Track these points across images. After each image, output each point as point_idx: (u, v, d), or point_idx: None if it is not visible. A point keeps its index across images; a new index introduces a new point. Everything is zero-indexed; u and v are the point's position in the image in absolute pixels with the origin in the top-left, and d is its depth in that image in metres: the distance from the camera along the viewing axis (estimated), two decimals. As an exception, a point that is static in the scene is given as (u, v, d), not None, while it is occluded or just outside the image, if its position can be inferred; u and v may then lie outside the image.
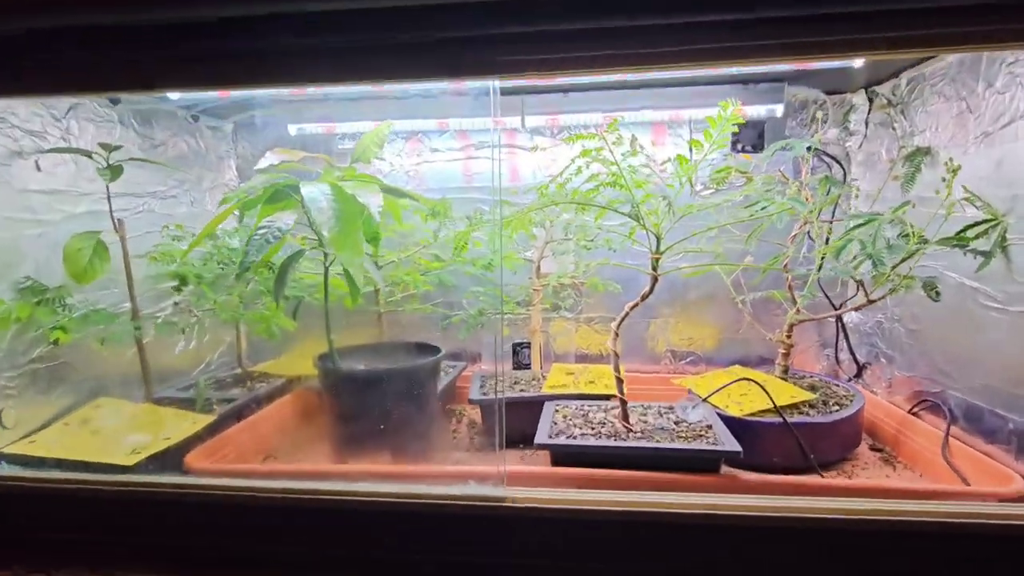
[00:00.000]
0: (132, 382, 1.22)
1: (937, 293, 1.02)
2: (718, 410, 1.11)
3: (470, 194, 1.59)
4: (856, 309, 1.18)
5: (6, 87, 0.85)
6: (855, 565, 0.76)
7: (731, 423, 1.06)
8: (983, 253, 0.93)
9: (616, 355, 1.03)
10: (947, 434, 1.05)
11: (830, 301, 1.42)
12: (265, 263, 1.16)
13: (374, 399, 1.03)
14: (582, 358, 1.60)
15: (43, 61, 0.81)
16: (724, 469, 0.96)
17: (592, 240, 1.33)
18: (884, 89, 1.32)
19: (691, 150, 1.35)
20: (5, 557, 0.86)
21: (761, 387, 1.09)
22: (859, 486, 0.92)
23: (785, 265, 1.24)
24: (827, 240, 1.19)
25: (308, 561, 0.86)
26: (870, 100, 1.37)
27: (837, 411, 1.12)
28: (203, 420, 1.09)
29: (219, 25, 0.75)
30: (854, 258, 1.05)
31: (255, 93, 1.36)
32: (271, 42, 0.77)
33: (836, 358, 1.50)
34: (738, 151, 1.42)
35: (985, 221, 0.94)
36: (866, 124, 1.39)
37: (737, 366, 1.42)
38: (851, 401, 1.16)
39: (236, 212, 1.06)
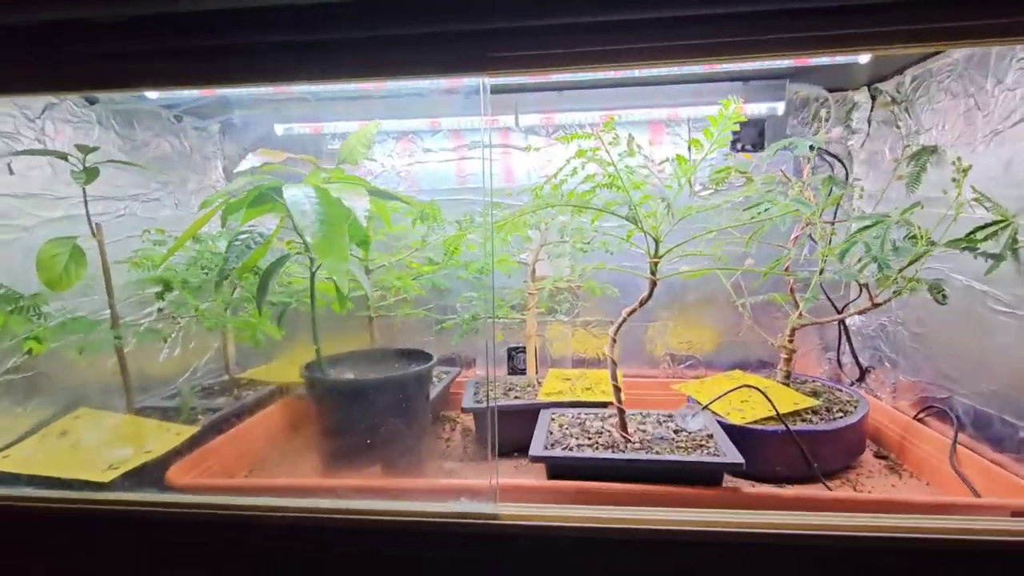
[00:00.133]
0: (114, 391, 1.18)
1: (944, 296, 0.98)
2: (719, 418, 1.08)
3: (464, 195, 1.56)
4: (860, 313, 1.15)
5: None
6: (864, 584, 0.73)
7: (732, 431, 1.02)
8: (993, 255, 0.90)
9: (614, 363, 1.00)
10: (955, 442, 1.02)
11: (833, 304, 1.39)
12: (251, 268, 1.12)
13: (363, 409, 0.99)
14: (579, 362, 1.56)
15: (41, 56, 0.76)
16: (726, 481, 0.92)
17: (589, 243, 1.30)
18: (888, 86, 1.29)
19: (690, 150, 1.32)
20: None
21: (763, 394, 1.06)
22: (867, 500, 0.88)
23: (787, 268, 1.21)
24: (830, 242, 1.16)
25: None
26: (873, 97, 1.34)
27: (841, 418, 1.09)
28: (186, 431, 1.05)
29: (203, 19, 0.71)
30: (859, 261, 1.01)
31: (239, 92, 1.31)
32: (257, 38, 0.73)
33: (838, 362, 1.47)
34: (738, 150, 1.39)
35: (995, 223, 0.90)
36: (869, 122, 1.36)
37: (737, 370, 1.39)
38: (855, 407, 1.13)
39: (221, 215, 1.02)
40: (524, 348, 1.46)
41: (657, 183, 0.94)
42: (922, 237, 0.92)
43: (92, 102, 1.17)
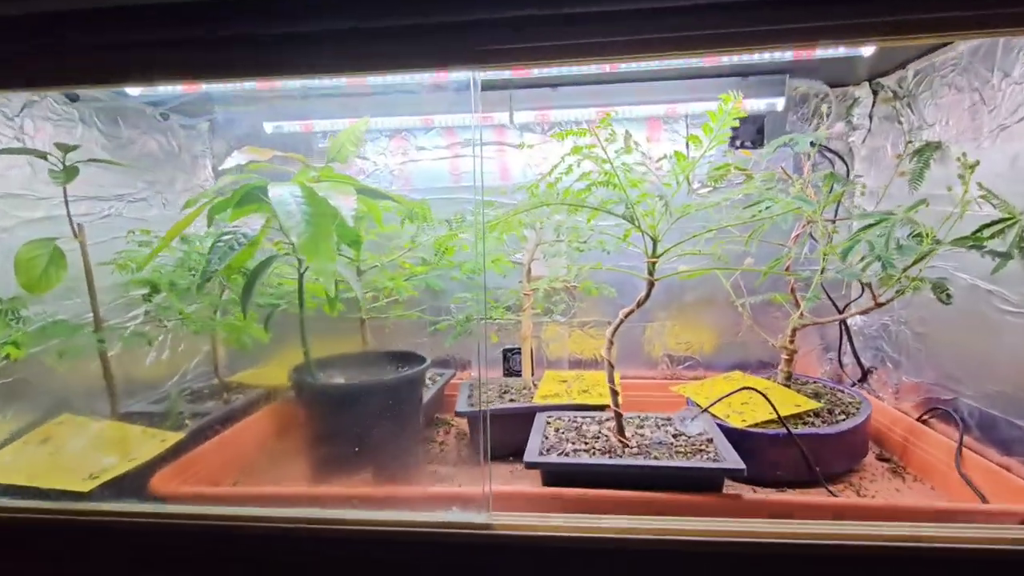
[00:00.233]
0: (100, 396, 1.15)
1: (948, 296, 0.96)
2: (719, 421, 1.06)
3: (458, 194, 1.53)
4: (863, 313, 1.13)
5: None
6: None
7: (732, 434, 1.00)
8: (1000, 254, 0.87)
9: (611, 365, 0.97)
10: (960, 445, 0.99)
11: (834, 304, 1.36)
12: (239, 269, 1.09)
13: (351, 414, 0.97)
14: (576, 364, 1.54)
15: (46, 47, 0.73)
16: (727, 486, 0.90)
17: (585, 242, 1.27)
18: (889, 81, 1.26)
19: (688, 147, 1.29)
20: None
21: (764, 397, 1.03)
22: (873, 506, 0.86)
23: (788, 267, 1.18)
24: (830, 240, 1.13)
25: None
26: (874, 93, 1.31)
27: (844, 420, 1.06)
28: (172, 438, 1.02)
29: (172, 10, 0.68)
30: (862, 259, 0.99)
31: (226, 89, 1.28)
32: (242, 32, 0.70)
33: (839, 362, 1.44)
34: (737, 147, 1.36)
35: (1002, 220, 0.88)
36: (870, 118, 1.34)
37: (737, 371, 1.36)
38: (858, 409, 1.10)
39: (207, 215, 0.99)
40: (520, 350, 1.43)
41: (655, 181, 0.92)
42: (927, 235, 0.90)
43: (73, 99, 1.13)
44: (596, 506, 0.85)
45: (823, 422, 1.06)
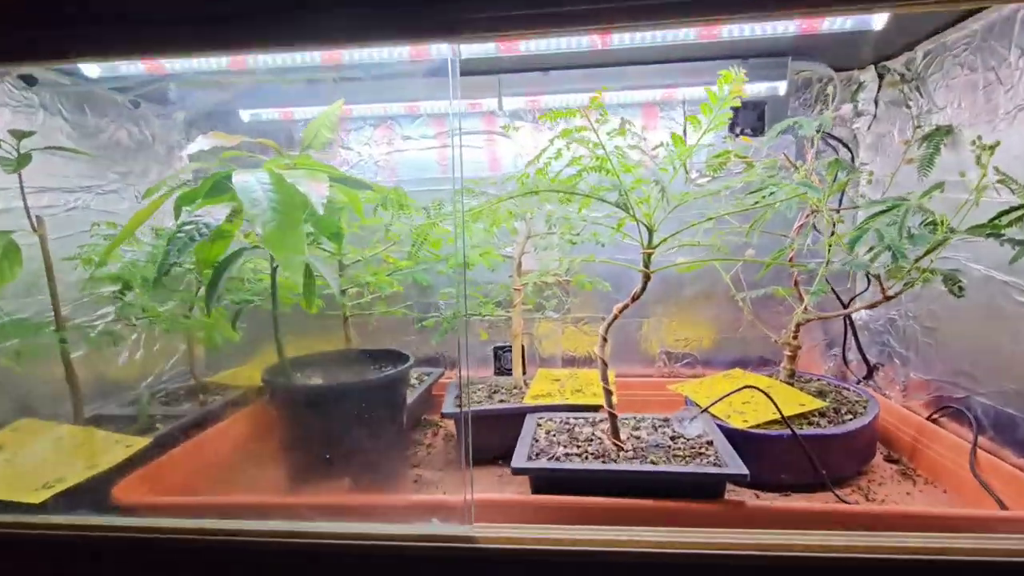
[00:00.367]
0: (66, 399, 1.09)
1: (960, 288, 0.90)
2: (719, 421, 1.00)
3: (447, 185, 1.47)
4: (871, 307, 1.07)
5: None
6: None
7: (733, 436, 0.94)
8: (1019, 242, 0.81)
9: (604, 364, 0.91)
10: (974, 445, 0.94)
11: (838, 298, 1.31)
12: (211, 263, 1.03)
13: (329, 417, 0.91)
14: (569, 361, 1.48)
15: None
16: (728, 492, 0.84)
17: (578, 234, 1.21)
18: (896, 64, 1.20)
19: (686, 132, 1.23)
20: None
21: (767, 396, 0.97)
22: (885, 513, 0.80)
23: (791, 259, 1.12)
24: (832, 231, 1.08)
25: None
26: (880, 76, 1.25)
27: (851, 420, 1.01)
28: (138, 443, 0.96)
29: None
30: (870, 250, 0.93)
31: (201, 75, 1.21)
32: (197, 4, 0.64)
33: (844, 358, 1.39)
34: (737, 134, 1.30)
35: (1020, 206, 0.82)
36: (876, 103, 1.28)
37: (737, 369, 1.31)
38: (865, 408, 1.05)
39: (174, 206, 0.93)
40: (510, 347, 1.38)
41: (650, 166, 0.85)
42: (941, 223, 0.84)
43: (30, 83, 1.07)
44: (588, 515, 0.79)
45: (829, 422, 1.00)
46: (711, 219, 0.86)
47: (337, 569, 0.71)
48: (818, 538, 0.65)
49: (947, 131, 1.04)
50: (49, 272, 1.00)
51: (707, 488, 0.81)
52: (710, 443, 0.91)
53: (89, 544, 0.75)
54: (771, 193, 0.82)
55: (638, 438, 0.94)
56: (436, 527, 0.70)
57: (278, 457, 0.95)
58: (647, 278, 0.87)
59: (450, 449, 1.18)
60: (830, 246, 1.04)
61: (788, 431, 0.94)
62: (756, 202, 0.87)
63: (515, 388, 1.23)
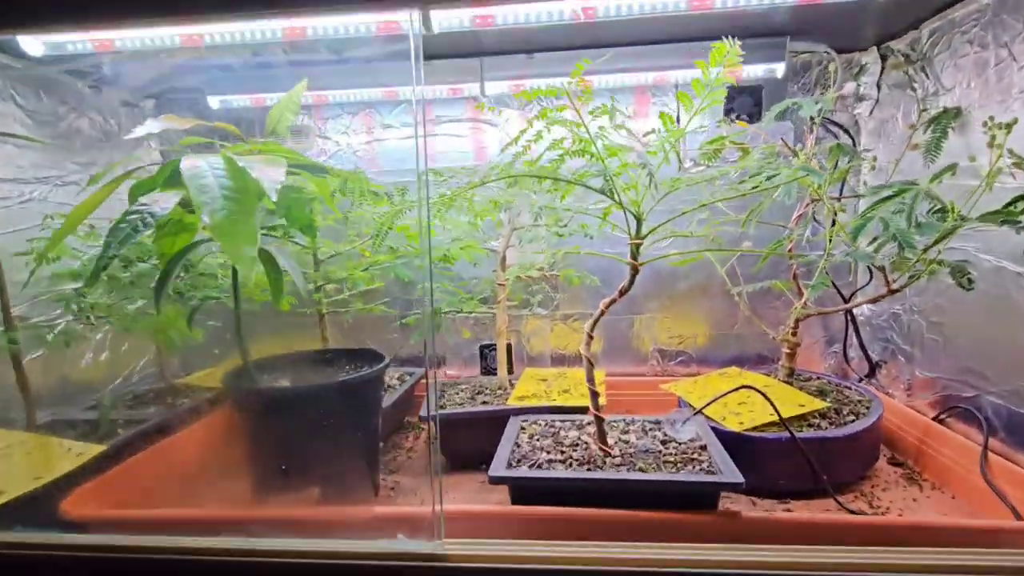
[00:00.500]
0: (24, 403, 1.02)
1: (970, 281, 0.84)
2: (713, 423, 0.94)
3: (431, 176, 1.40)
4: (874, 301, 1.01)
5: None
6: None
7: (729, 439, 0.88)
8: (1035, 230, 0.75)
9: (590, 364, 0.85)
10: (985, 448, 0.88)
11: (839, 292, 1.25)
12: (174, 256, 0.96)
13: (295, 423, 0.84)
14: (559, 360, 1.42)
15: None
16: (724, 501, 0.78)
17: (565, 225, 1.15)
18: (900, 44, 1.14)
19: (679, 117, 1.17)
20: None
21: (765, 396, 0.91)
22: (891, 524, 0.74)
23: (789, 250, 1.06)
24: (834, 221, 1.01)
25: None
26: (883, 58, 1.19)
27: (853, 421, 0.95)
28: (92, 451, 0.89)
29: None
30: (874, 240, 0.87)
31: (166, 59, 1.14)
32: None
33: (845, 355, 1.33)
34: (732, 120, 1.24)
35: (1037, 191, 0.76)
36: (878, 87, 1.21)
37: (733, 367, 1.25)
38: (868, 408, 0.99)
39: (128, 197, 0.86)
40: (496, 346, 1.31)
41: (640, 149, 0.79)
42: (952, 210, 0.78)
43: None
44: (570, 527, 0.73)
45: (830, 424, 0.94)
46: (703, 206, 0.79)
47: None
48: (823, 555, 0.59)
49: (955, 113, 0.97)
50: (-4, 268, 0.93)
51: (700, 497, 0.75)
52: (703, 448, 0.85)
53: (28, 563, 0.69)
54: (768, 177, 0.75)
55: (627, 442, 0.88)
56: (401, 544, 0.64)
57: (243, 466, 0.89)
58: (635, 271, 0.81)
59: (432, 453, 1.12)
60: (831, 237, 0.98)
61: (787, 434, 0.88)
62: (754, 187, 0.81)
63: (500, 389, 1.17)
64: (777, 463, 0.90)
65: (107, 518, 0.80)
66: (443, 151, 1.41)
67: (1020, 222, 0.74)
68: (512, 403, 1.06)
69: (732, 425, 0.93)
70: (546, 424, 0.97)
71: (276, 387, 0.88)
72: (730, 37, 0.75)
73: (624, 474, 0.77)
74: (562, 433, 0.93)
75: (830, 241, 0.98)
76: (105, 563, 0.67)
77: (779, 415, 0.89)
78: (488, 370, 1.38)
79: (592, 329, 0.85)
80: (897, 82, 1.16)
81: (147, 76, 1.32)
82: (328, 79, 1.24)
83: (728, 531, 0.72)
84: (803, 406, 0.97)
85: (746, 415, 0.96)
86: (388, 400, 1.15)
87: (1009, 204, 0.76)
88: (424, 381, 1.37)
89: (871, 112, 1.23)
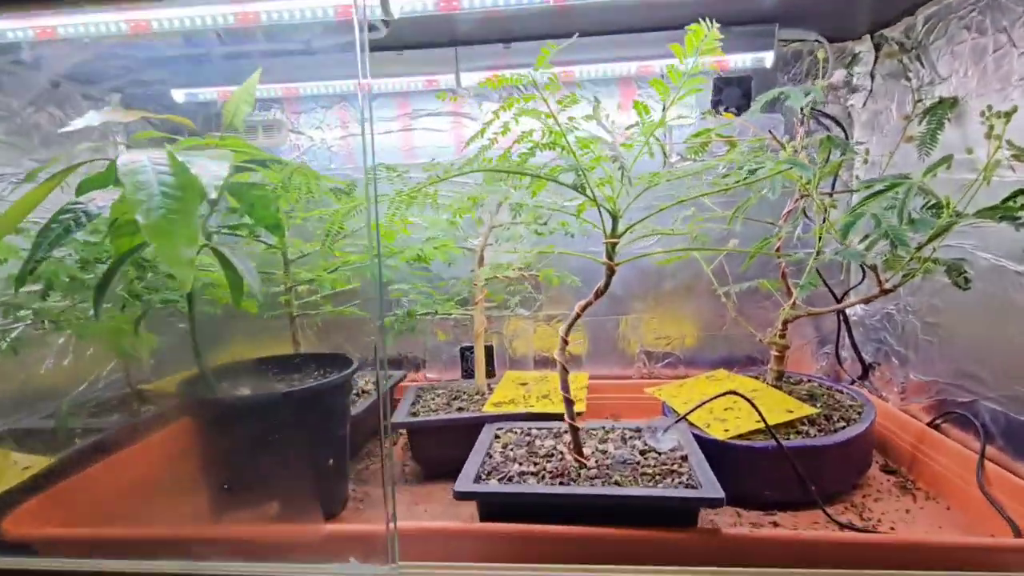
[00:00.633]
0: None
1: (966, 280, 0.80)
2: (697, 431, 0.89)
3: (411, 173, 1.35)
4: (866, 301, 0.96)
5: None
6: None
7: (713, 448, 0.84)
8: (1036, 227, 0.71)
9: (564, 370, 0.80)
10: (982, 456, 0.84)
11: (831, 291, 1.20)
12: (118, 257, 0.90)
13: (251, 433, 0.79)
14: (542, 363, 1.37)
15: None
16: (704, 517, 0.74)
17: (544, 223, 1.10)
18: (894, 32, 1.09)
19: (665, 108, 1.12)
20: None
21: (751, 404, 0.87)
22: (882, 542, 0.69)
23: (778, 248, 1.01)
24: (825, 217, 0.97)
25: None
26: (877, 47, 1.14)
27: (843, 428, 0.90)
28: (39, 464, 0.85)
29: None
30: (866, 238, 0.82)
31: (132, 52, 1.09)
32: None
33: (837, 357, 1.28)
34: (718, 113, 1.19)
35: (1038, 185, 0.71)
36: (872, 77, 1.16)
37: (722, 370, 1.20)
38: (859, 413, 0.95)
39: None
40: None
41: (614, 143, 0.74)
42: (947, 205, 0.73)
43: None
44: (540, 546, 0.69)
45: (819, 431, 0.90)
46: (681, 202, 0.75)
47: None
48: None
49: (951, 104, 0.92)
50: (-62, 270, 0.88)
51: (677, 514, 0.70)
52: (684, 458, 0.80)
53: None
54: (751, 172, 0.70)
55: (604, 452, 0.84)
56: (353, 567, 0.59)
57: (198, 481, 0.84)
58: (611, 271, 0.76)
59: (407, 460, 1.08)
60: (821, 234, 0.93)
61: (773, 442, 0.83)
62: (737, 181, 0.76)
63: (478, 394, 1.12)
64: (763, 473, 0.85)
65: (51, 538, 0.75)
66: (422, 145, 1.36)
67: (1019, 218, 0.69)
68: (488, 410, 1.01)
69: (717, 433, 0.88)
70: (522, 432, 0.93)
71: (230, 396, 0.83)
72: (706, 19, 0.69)
73: (597, 489, 0.72)
74: (537, 442, 0.88)
75: (820, 239, 0.94)
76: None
77: (765, 423, 0.85)
78: (469, 373, 1.34)
79: (567, 333, 0.81)
80: (891, 72, 1.11)
81: (114, 71, 1.27)
82: (293, 71, 1.19)
83: (708, 549, 0.67)
84: (791, 412, 0.92)
85: (732, 422, 0.92)
86: (362, 405, 1.10)
87: (1008, 199, 0.71)
88: (403, 384, 1.32)
89: (864, 103, 1.18)
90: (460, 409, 1.04)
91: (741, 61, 1.13)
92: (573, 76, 1.20)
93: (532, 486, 0.74)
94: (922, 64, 1.01)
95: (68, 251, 0.99)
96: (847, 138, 1.20)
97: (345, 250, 1.12)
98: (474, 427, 0.94)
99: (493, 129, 0.72)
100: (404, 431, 1.14)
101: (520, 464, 0.81)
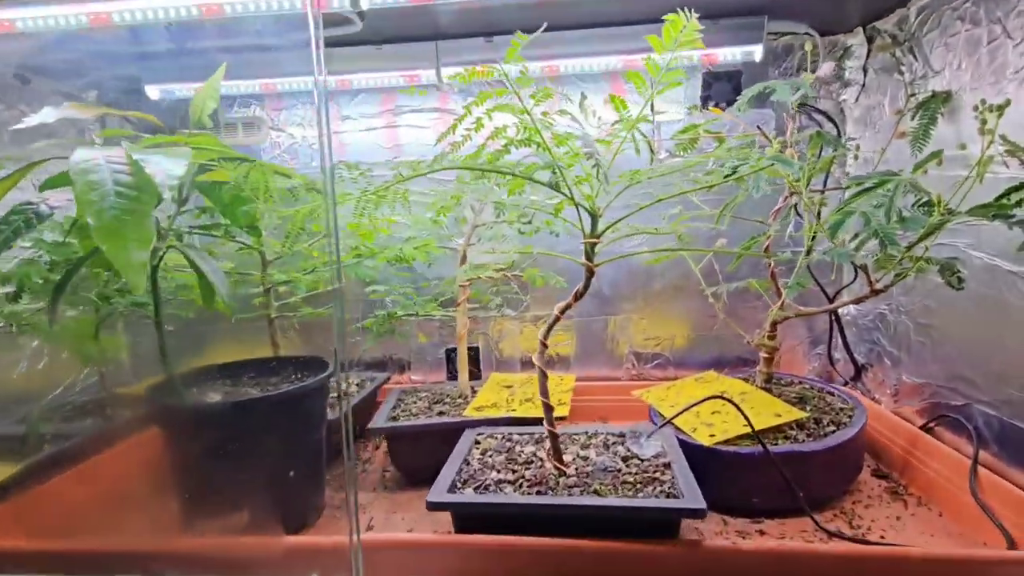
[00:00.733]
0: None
1: (960, 280, 0.77)
2: (683, 436, 0.87)
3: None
4: (858, 301, 0.93)
5: None
6: None
7: (698, 453, 0.81)
8: (1030, 225, 0.68)
9: (544, 375, 0.77)
10: (975, 462, 0.81)
11: (823, 291, 1.17)
12: (78, 259, 0.87)
13: (219, 440, 0.77)
14: (529, 364, 1.34)
15: None
16: (686, 528, 0.71)
17: (529, 222, 1.07)
18: (887, 25, 1.06)
19: (653, 106, 1.09)
20: None
21: (738, 409, 0.84)
22: (872, 554, 0.67)
23: (766, 247, 0.99)
24: (818, 215, 0.94)
25: None
26: (869, 40, 1.11)
27: (833, 432, 0.87)
28: (1, 472, 0.82)
29: None
30: (855, 236, 0.80)
31: (108, 48, 1.06)
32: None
33: (829, 358, 1.26)
34: (707, 108, 1.16)
35: (1032, 182, 0.69)
36: (864, 71, 1.13)
37: (711, 371, 1.17)
38: (850, 417, 0.92)
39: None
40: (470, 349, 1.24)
41: (591, 139, 0.71)
42: (938, 203, 0.70)
43: None
44: (515, 558, 0.66)
45: (808, 435, 0.87)
46: (661, 200, 0.72)
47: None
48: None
49: (944, 98, 0.90)
50: (-103, 273, 0.85)
51: (657, 525, 0.68)
52: (668, 465, 0.77)
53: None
54: (735, 166, 0.68)
55: (585, 459, 0.81)
56: (315, 586, 0.56)
57: (166, 490, 0.81)
58: (590, 272, 0.73)
59: (388, 466, 1.05)
60: (813, 234, 0.90)
61: (760, 448, 0.80)
62: (725, 177, 0.73)
63: (460, 397, 1.10)
64: (750, 479, 0.83)
65: (8, 551, 0.73)
66: (408, 142, 1.33)
67: (1014, 216, 0.66)
68: (469, 414, 0.98)
69: (703, 438, 0.86)
70: (503, 438, 0.90)
71: (193, 402, 0.80)
72: (688, 9, 0.66)
73: (574, 499, 0.69)
74: (517, 448, 0.86)
75: (813, 238, 0.91)
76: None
77: (752, 428, 0.82)
78: (455, 375, 1.31)
79: (546, 337, 0.78)
80: (884, 65, 1.08)
81: (91, 67, 1.24)
82: (269, 67, 1.16)
83: (689, 562, 0.65)
84: (780, 416, 0.90)
85: (719, 426, 0.89)
86: (345, 407, 1.07)
87: (1002, 196, 0.69)
88: (386, 386, 1.29)
89: (857, 98, 1.15)
90: (442, 413, 1.02)
91: (730, 55, 1.10)
92: (558, 71, 1.17)
93: (507, 496, 0.71)
94: (915, 57, 0.99)
95: (39, 252, 0.96)
96: (839, 134, 1.17)
97: (325, 250, 1.09)
98: (455, 432, 0.91)
99: (465, 125, 0.69)
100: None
101: (498, 471, 0.78)
